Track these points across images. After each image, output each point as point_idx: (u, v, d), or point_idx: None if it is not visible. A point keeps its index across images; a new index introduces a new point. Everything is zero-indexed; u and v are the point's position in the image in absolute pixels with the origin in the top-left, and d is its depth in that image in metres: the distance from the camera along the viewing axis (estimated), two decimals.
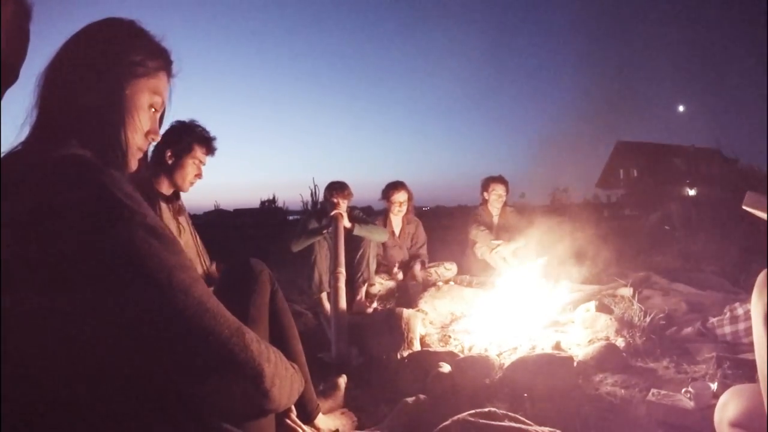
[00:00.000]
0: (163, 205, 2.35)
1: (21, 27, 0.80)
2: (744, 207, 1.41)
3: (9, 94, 0.83)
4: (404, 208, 4.70)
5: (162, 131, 2.12)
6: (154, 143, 1.21)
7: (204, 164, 2.48)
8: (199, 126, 2.47)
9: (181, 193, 2.50)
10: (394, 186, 4.70)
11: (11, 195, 0.84)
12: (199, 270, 2.33)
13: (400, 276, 4.66)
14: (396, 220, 4.80)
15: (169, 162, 2.38)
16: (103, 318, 0.84)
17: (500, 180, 5.20)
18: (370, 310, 3.96)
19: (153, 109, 1.16)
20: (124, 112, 1.08)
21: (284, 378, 1.05)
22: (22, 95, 1.00)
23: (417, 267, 4.67)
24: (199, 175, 2.47)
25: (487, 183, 5.22)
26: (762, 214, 1.38)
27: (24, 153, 0.97)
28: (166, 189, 2.42)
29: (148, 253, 0.86)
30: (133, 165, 1.14)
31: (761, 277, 1.11)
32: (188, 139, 2.41)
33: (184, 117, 2.47)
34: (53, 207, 0.83)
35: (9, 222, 0.82)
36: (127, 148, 1.09)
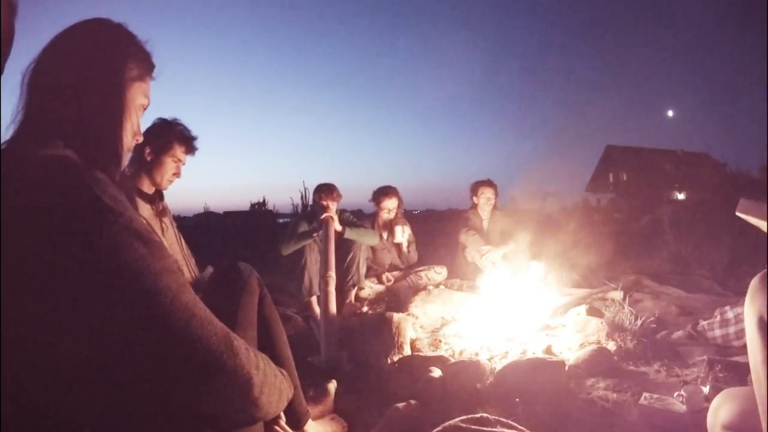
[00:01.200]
0: (146, 205, 2.31)
1: (6, 21, 0.78)
2: (737, 214, 1.40)
3: None
4: (393, 214, 4.70)
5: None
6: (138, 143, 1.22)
7: (183, 163, 2.44)
8: (180, 124, 2.43)
9: (168, 195, 2.48)
10: (385, 192, 4.68)
11: None
12: (186, 274, 2.29)
13: (400, 236, 4.68)
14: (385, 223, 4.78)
15: (148, 159, 2.35)
16: (88, 323, 0.83)
17: (488, 183, 5.22)
18: (363, 309, 3.94)
19: (141, 111, 1.18)
20: (123, 113, 1.10)
21: (273, 386, 1.04)
22: (6, 91, 0.98)
23: (398, 228, 4.67)
24: (177, 174, 2.43)
25: (475, 187, 5.23)
26: (755, 221, 1.37)
27: (8, 153, 0.95)
28: (147, 187, 2.38)
29: (134, 258, 0.85)
30: (123, 165, 1.14)
31: (755, 282, 1.10)
32: (169, 137, 2.38)
33: (169, 116, 2.45)
34: (37, 209, 0.82)
35: None
36: (122, 148, 1.10)
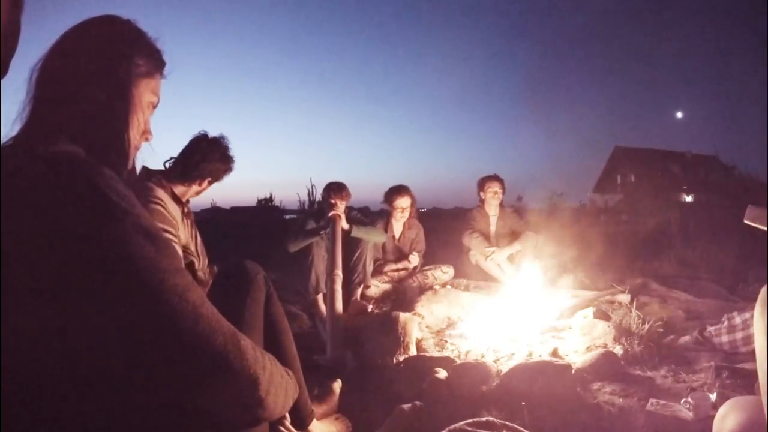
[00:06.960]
0: (178, 208, 2.39)
1: (13, 19, 0.78)
2: (745, 221, 1.39)
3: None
4: (407, 213, 4.67)
5: (209, 160, 2.44)
6: (147, 143, 1.21)
7: None
8: (233, 160, 2.62)
9: None
10: (398, 191, 4.65)
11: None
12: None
13: (415, 261, 4.71)
14: (397, 224, 4.77)
15: (201, 186, 2.54)
16: (94, 322, 0.82)
17: (495, 178, 5.15)
18: (369, 308, 3.94)
19: (151, 109, 1.16)
20: (129, 110, 1.08)
21: (279, 386, 1.04)
22: (10, 90, 0.98)
23: (413, 256, 4.72)
24: None
25: (482, 182, 5.17)
26: (764, 228, 1.36)
27: (13, 149, 0.94)
28: (182, 195, 2.51)
29: (141, 256, 0.84)
30: (131, 163, 1.13)
31: (764, 292, 1.09)
32: (223, 174, 2.61)
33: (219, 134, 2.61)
34: (43, 205, 0.81)
35: None
36: (129, 146, 1.09)
